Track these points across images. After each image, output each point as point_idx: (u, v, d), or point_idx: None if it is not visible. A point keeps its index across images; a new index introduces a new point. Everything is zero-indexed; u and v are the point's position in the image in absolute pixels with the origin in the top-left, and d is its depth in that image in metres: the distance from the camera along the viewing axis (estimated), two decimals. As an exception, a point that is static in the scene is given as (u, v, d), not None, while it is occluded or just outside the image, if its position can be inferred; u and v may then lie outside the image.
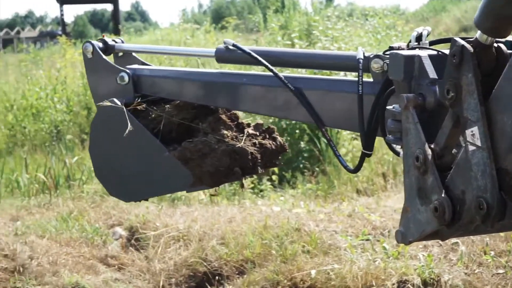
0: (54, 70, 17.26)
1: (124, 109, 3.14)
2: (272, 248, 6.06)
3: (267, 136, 3.30)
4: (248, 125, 3.37)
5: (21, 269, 6.02)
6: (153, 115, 3.28)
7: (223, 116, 3.29)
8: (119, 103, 3.15)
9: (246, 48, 3.00)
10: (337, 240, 6.14)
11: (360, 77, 2.53)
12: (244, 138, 3.20)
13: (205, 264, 6.10)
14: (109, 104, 3.14)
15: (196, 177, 3.05)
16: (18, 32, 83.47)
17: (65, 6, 53.76)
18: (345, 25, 13.73)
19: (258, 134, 3.31)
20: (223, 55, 3.12)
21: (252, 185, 8.85)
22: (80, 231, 6.98)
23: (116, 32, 30.98)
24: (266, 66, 2.85)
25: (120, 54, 3.52)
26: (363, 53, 2.62)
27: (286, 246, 6.04)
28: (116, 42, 3.49)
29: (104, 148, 3.35)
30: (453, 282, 5.06)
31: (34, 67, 20.65)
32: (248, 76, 3.11)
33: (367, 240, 6.10)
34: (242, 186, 3.66)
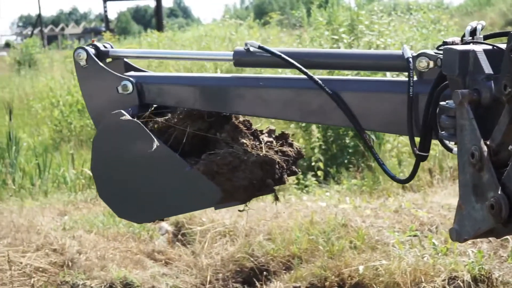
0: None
1: (139, 122, 2.86)
2: (319, 243, 6.05)
3: (284, 143, 3.08)
4: (261, 131, 3.10)
5: (70, 263, 6.10)
6: (158, 127, 2.98)
7: (239, 124, 3.01)
8: (127, 115, 2.86)
9: (275, 49, 2.78)
10: (384, 236, 6.10)
11: (411, 78, 2.45)
12: (263, 146, 2.95)
13: (251, 259, 6.11)
14: (123, 117, 2.85)
15: (227, 192, 2.78)
16: (62, 29, 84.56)
17: (109, 3, 54.33)
18: (390, 20, 13.60)
19: (273, 141, 3.08)
20: (243, 58, 2.88)
21: (297, 181, 8.84)
22: (127, 226, 7.02)
23: (159, 28, 31.18)
24: (299, 68, 2.67)
25: (109, 60, 3.16)
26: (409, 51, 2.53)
27: (333, 241, 6.02)
28: (105, 47, 3.15)
29: (110, 166, 2.99)
30: (504, 278, 5.00)
31: (79, 63, 20.82)
32: (271, 80, 2.90)
33: (415, 236, 6.05)
34: (276, 199, 3.25)
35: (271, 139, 3.07)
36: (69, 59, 21.35)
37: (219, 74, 3.31)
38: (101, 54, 3.09)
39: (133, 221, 3.42)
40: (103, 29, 55.28)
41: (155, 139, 2.80)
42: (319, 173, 9.27)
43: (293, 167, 3.02)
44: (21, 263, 6.02)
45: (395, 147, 9.67)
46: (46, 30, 76.35)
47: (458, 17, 24.94)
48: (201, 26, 30.64)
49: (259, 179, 2.81)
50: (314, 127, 9.91)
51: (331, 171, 9.58)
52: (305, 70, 2.66)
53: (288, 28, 22.14)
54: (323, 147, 10.07)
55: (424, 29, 14.46)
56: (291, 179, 8.71)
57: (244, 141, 2.89)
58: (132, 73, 3.15)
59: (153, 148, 2.78)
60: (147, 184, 2.93)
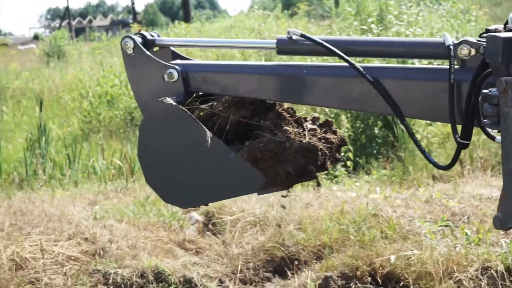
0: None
1: (184, 109, 2.89)
2: (350, 233, 6.04)
3: (328, 130, 3.08)
4: (305, 119, 3.12)
5: (101, 252, 6.13)
6: (203, 114, 3.01)
7: (283, 111, 3.03)
8: (173, 102, 2.90)
9: (316, 37, 2.78)
10: (416, 226, 6.08)
11: (452, 65, 2.44)
12: (306, 133, 2.95)
13: (282, 249, 6.12)
14: (168, 102, 2.89)
15: (270, 178, 2.81)
16: (90, 21, 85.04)
17: (136, -5, 54.37)
18: (420, 9, 13.50)
19: (317, 128, 3.08)
20: (286, 46, 2.88)
21: (326, 171, 8.80)
22: (158, 215, 7.06)
23: (187, 19, 31.21)
24: (341, 56, 2.68)
25: (156, 49, 3.19)
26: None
27: (364, 231, 6.01)
28: (152, 36, 3.17)
29: (156, 152, 3.03)
30: (538, 269, 4.97)
31: (108, 54, 20.97)
32: (315, 68, 2.94)
33: (446, 226, 6.02)
34: (318, 185, 3.27)
35: (314, 127, 3.08)
36: (98, 50, 21.55)
37: (261, 62, 3.25)
38: (148, 43, 3.12)
39: (179, 206, 3.52)
40: (131, 21, 55.51)
41: (202, 126, 2.83)
42: (349, 163, 9.24)
43: (336, 154, 3.04)
44: (53, 251, 6.07)
45: (425, 137, 9.61)
46: (74, 23, 76.90)
47: (487, 7, 24.66)
48: (228, 17, 30.61)
49: (302, 165, 2.82)
50: (343, 117, 9.88)
51: (360, 162, 9.55)
52: (347, 58, 2.67)
53: (316, 19, 22.08)
54: (352, 137, 10.05)
55: (454, 19, 14.33)
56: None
57: (288, 128, 2.90)
58: (178, 61, 3.16)
59: (200, 136, 2.81)
60: (192, 170, 2.96)
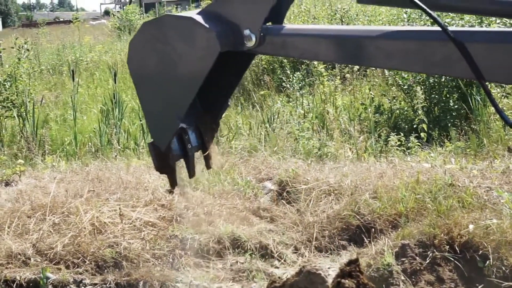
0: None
1: None
2: (426, 202, 5.99)
3: None
4: None
5: (178, 218, 6.22)
6: None
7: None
8: None
9: None
10: (493, 196, 6.00)
11: None
12: None
13: (358, 217, 6.11)
14: None
15: None
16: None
17: (206, -31, 54.42)
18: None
19: None
20: None
21: (399, 143, 8.74)
22: (232, 184, 7.11)
23: None
24: (424, 10, 2.55)
25: None
26: None
27: (440, 201, 5.95)
28: None
29: None
30: None
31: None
32: (396, 32, 2.80)
33: (525, 196, 5.92)
34: None
35: None
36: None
37: (342, 26, 3.08)
38: None
39: None
40: (200, -4, 55.58)
41: None
42: (422, 135, 9.14)
43: None
44: (132, 217, 6.18)
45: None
46: (143, -2, 77.40)
47: None
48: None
49: None
50: (418, 88, 9.76)
51: (433, 134, 9.43)
52: (430, 11, 2.54)
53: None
54: (426, 109, 9.94)
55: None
56: (393, 140, 8.62)
57: None
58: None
59: None
60: None
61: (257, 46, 2.87)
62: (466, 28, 2.73)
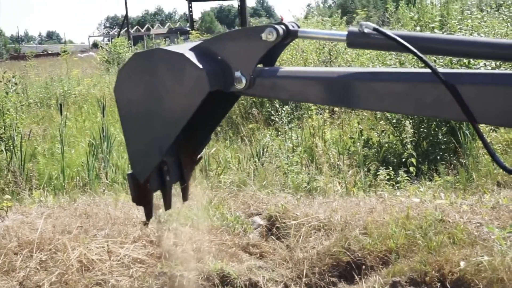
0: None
1: None
2: (417, 238, 5.96)
3: None
4: None
5: (167, 255, 6.16)
6: None
7: None
8: None
9: (390, 32, 2.64)
10: (484, 232, 5.98)
11: None
12: None
13: (348, 253, 6.06)
14: None
15: None
16: (148, 29, 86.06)
17: (194, 3, 54.88)
18: (483, 15, 13.33)
19: None
20: (357, 39, 2.74)
21: (388, 177, 8.75)
22: (221, 219, 7.07)
23: (244, 26, 31.31)
24: (415, 53, 2.55)
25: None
26: None
27: (431, 237, 5.92)
28: (293, 27, 2.97)
29: None
30: None
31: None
32: (386, 74, 2.79)
33: (516, 232, 5.90)
34: None
35: None
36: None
37: (333, 68, 3.06)
38: (291, 34, 2.95)
39: None
40: (188, 29, 55.94)
41: None
42: (412, 169, 9.15)
43: None
44: (120, 253, 6.12)
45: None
46: (132, 31, 77.80)
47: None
48: (285, 24, 30.61)
49: None
50: (407, 122, 9.79)
51: (423, 168, 9.45)
52: (420, 55, 2.54)
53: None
54: (415, 143, 9.96)
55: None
56: (383, 174, 8.62)
57: None
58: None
59: None
60: None
61: (247, 88, 2.84)
62: (457, 70, 2.70)
